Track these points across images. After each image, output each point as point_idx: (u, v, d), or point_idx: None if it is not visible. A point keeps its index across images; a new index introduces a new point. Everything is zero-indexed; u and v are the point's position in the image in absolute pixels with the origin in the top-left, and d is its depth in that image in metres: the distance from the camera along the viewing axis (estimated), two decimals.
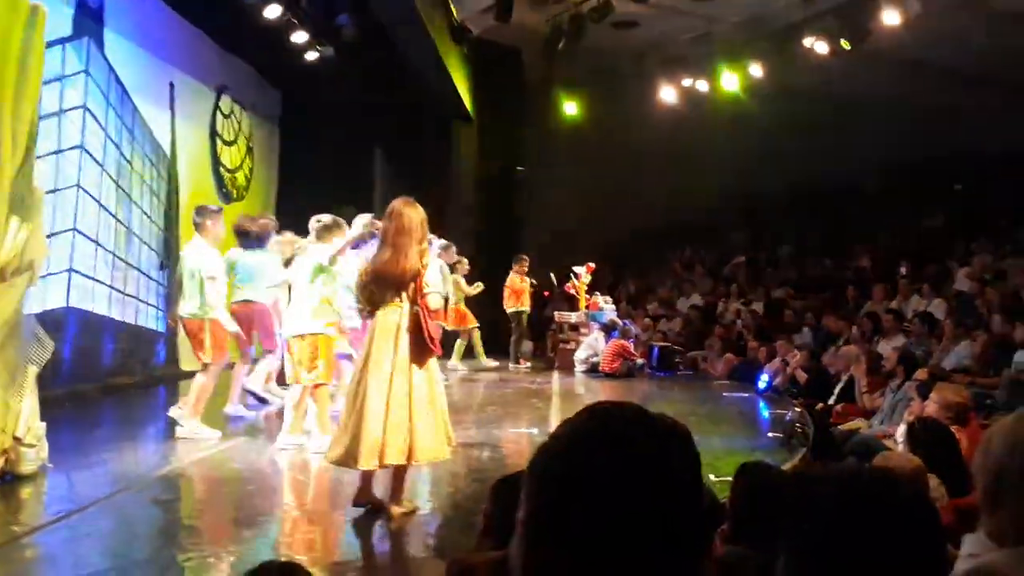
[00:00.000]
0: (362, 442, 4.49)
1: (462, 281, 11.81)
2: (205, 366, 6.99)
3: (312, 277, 6.28)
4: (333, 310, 6.47)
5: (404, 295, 4.61)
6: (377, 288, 4.70)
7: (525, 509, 1.00)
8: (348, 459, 4.57)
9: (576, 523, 0.95)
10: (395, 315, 4.61)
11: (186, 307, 7.04)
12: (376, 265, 4.67)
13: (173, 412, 7.06)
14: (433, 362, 4.76)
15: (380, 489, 4.79)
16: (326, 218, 6.59)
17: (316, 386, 6.42)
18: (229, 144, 12.71)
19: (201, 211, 7.26)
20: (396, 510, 4.65)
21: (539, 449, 1.04)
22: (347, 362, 7.16)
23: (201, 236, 7.12)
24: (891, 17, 10.75)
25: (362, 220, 6.57)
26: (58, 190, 8.48)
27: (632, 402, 1.07)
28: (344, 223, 6.63)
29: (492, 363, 12.33)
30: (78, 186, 8.91)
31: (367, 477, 4.67)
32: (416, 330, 4.57)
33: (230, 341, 7.29)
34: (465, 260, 11.95)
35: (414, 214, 4.66)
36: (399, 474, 4.69)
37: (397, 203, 4.73)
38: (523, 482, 1.03)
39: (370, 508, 4.67)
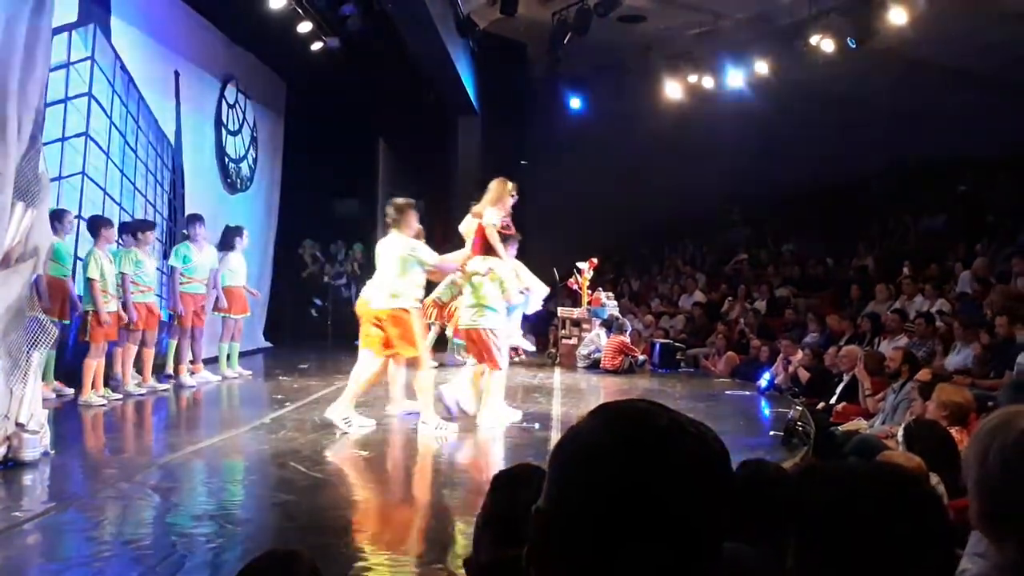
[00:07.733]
0: None
1: None
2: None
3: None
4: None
5: None
6: None
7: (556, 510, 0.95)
8: None
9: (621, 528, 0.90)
10: None
11: None
12: None
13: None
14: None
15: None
16: None
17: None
18: (234, 134, 12.71)
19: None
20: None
21: (567, 450, 0.98)
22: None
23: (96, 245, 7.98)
24: (898, 16, 10.73)
25: None
26: (63, 177, 8.51)
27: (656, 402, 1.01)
28: None
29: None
30: (83, 174, 8.93)
31: None
32: None
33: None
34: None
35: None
36: None
37: None
38: (549, 480, 0.97)
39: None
